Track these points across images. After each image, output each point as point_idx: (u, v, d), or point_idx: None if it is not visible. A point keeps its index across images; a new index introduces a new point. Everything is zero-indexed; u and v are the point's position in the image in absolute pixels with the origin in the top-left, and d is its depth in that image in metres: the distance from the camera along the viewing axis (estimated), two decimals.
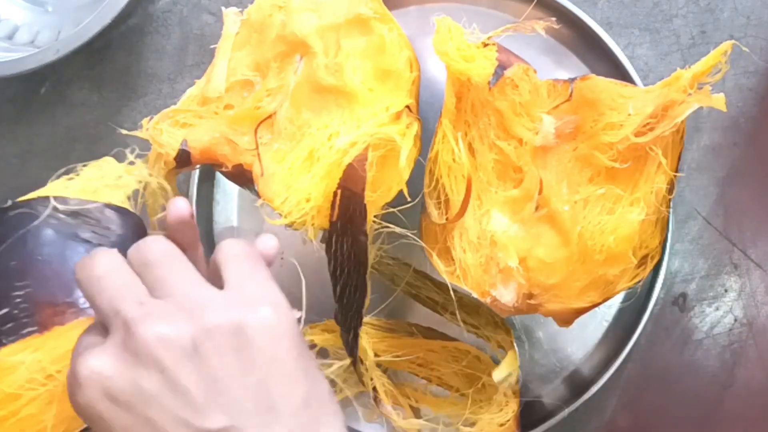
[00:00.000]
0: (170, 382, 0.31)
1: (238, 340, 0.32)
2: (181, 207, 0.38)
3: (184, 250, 0.36)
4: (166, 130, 0.47)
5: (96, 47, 0.58)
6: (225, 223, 0.59)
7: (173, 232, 0.38)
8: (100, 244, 0.39)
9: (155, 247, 0.35)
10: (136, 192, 0.43)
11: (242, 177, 0.47)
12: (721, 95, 0.43)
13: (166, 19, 0.59)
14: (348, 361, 0.50)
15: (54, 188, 0.41)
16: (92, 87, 0.59)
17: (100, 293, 0.33)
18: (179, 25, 0.59)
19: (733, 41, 0.43)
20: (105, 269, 0.33)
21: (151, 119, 0.48)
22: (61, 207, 0.39)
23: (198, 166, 0.52)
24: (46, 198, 0.39)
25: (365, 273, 0.45)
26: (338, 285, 0.46)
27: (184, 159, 0.46)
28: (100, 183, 0.42)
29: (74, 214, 0.39)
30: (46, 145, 0.60)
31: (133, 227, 0.41)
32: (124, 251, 0.36)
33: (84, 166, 0.43)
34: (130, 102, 0.59)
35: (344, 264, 0.45)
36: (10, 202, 0.40)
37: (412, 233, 0.46)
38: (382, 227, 0.46)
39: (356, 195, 0.43)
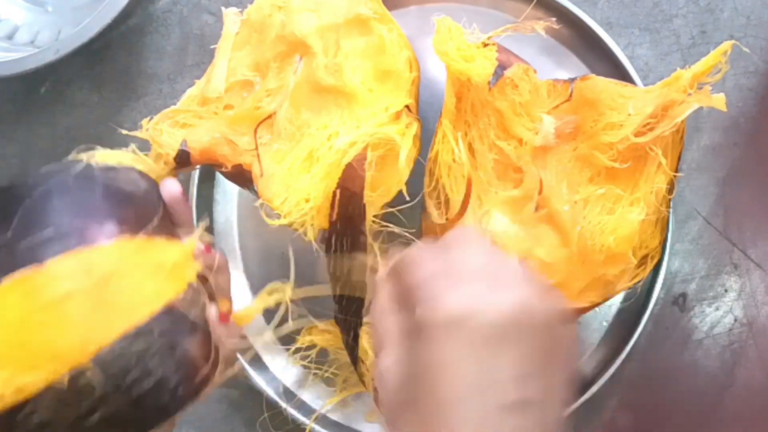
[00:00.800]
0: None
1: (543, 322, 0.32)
2: (172, 188, 0.42)
3: (180, 228, 0.40)
4: (166, 131, 0.47)
5: (96, 47, 0.58)
6: (225, 223, 0.59)
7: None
8: (134, 192, 0.41)
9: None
10: None
11: (242, 177, 0.47)
12: (721, 95, 0.43)
13: (166, 19, 0.59)
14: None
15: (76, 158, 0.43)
16: (92, 87, 0.59)
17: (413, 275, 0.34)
18: (179, 25, 0.59)
19: (733, 41, 0.43)
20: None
21: (151, 119, 0.48)
22: (94, 164, 0.41)
23: (198, 166, 0.52)
24: (76, 160, 0.41)
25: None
26: (338, 285, 0.46)
27: (183, 159, 0.46)
28: (123, 157, 0.43)
29: (109, 168, 0.41)
30: (46, 145, 0.60)
31: (158, 191, 0.43)
32: (152, 210, 0.40)
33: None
34: (130, 102, 0.59)
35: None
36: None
37: (411, 233, 0.46)
38: (382, 227, 0.46)
39: (355, 195, 0.43)
